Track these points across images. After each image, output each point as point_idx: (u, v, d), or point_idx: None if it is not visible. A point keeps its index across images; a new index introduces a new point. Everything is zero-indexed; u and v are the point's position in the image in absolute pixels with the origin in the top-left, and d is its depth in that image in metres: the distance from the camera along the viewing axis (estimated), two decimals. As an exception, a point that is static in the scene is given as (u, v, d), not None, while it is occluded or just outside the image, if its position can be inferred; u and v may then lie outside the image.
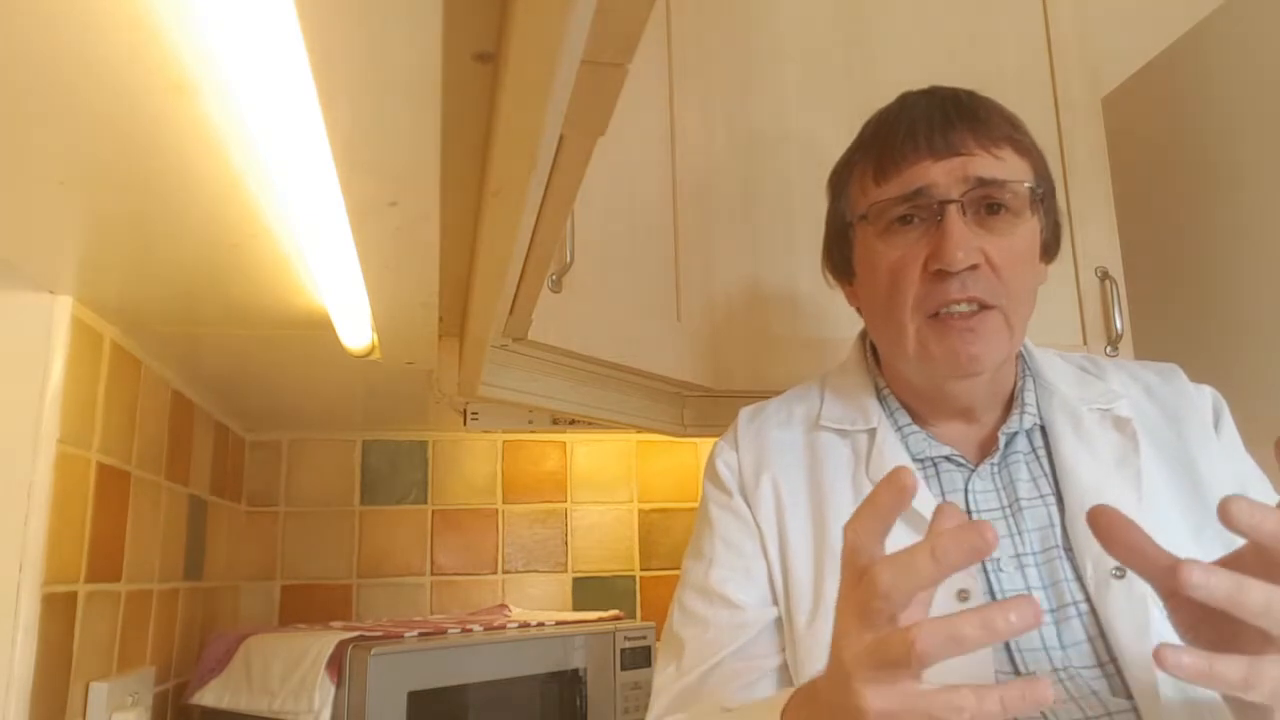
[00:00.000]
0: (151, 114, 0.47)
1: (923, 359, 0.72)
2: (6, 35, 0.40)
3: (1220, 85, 1.20)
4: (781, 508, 0.77)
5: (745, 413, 0.85)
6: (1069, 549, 0.71)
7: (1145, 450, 0.73)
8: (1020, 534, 0.72)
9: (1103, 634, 0.67)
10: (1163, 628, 0.66)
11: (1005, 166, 0.72)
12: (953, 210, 0.70)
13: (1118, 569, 0.67)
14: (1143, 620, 0.66)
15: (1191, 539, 0.71)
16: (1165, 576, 0.50)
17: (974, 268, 0.69)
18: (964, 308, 0.70)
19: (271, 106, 0.42)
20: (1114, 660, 0.66)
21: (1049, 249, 0.78)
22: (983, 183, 0.71)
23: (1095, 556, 0.69)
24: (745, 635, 0.74)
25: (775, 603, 0.76)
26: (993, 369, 0.73)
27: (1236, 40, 1.17)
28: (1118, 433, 0.74)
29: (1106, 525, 0.53)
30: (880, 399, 0.80)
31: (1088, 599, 0.69)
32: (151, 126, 0.48)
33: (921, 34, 1.26)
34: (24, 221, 0.61)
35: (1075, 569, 0.70)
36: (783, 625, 0.75)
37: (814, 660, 0.71)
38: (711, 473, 0.83)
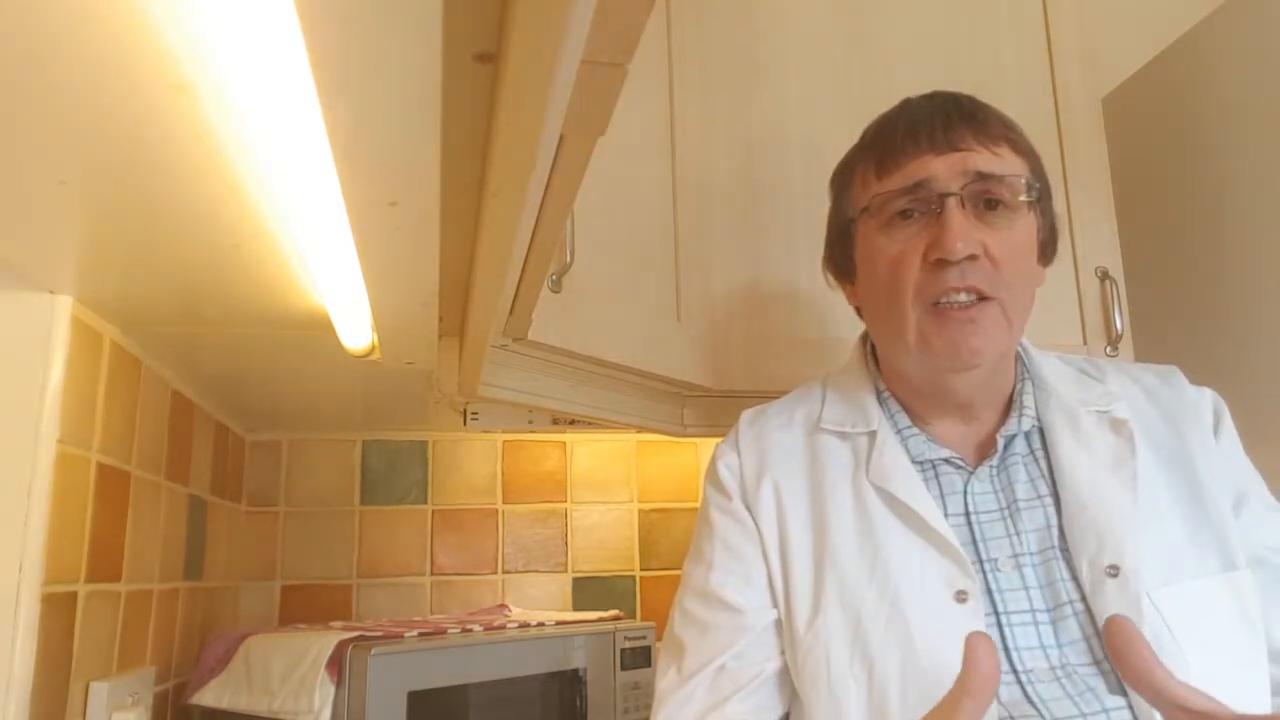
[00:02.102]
0: (152, 114, 0.47)
1: (923, 351, 0.72)
2: (6, 35, 0.40)
3: (1220, 85, 1.20)
4: (783, 510, 0.77)
5: (747, 415, 0.85)
6: (1065, 549, 0.71)
7: (1143, 452, 0.74)
8: (1018, 535, 0.72)
9: (1098, 632, 0.68)
10: (1156, 625, 0.66)
11: (1004, 163, 0.73)
12: (952, 202, 0.71)
13: (1112, 568, 0.68)
14: (1135, 619, 0.66)
15: (1188, 541, 0.71)
16: (1171, 709, 0.49)
17: (973, 258, 0.70)
18: (963, 298, 0.71)
19: (271, 106, 0.42)
20: (1108, 659, 0.67)
21: (1046, 251, 0.78)
22: (982, 176, 0.72)
23: (1091, 556, 0.69)
24: (745, 638, 0.74)
25: (775, 605, 0.76)
26: (992, 362, 0.73)
27: (1236, 40, 1.17)
28: (1115, 435, 0.74)
29: (1122, 643, 0.52)
30: (880, 401, 0.80)
31: (1083, 598, 0.69)
32: (152, 126, 0.48)
33: (921, 34, 1.26)
34: (24, 221, 0.61)
35: (1071, 568, 0.70)
36: (782, 627, 0.75)
37: (813, 661, 0.71)
38: (713, 475, 0.83)
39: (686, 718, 0.73)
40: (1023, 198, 0.73)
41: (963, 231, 0.70)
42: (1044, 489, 0.74)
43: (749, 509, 0.79)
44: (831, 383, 0.85)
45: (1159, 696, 0.50)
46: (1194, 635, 0.67)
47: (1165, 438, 0.76)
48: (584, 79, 0.40)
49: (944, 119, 0.74)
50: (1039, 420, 0.77)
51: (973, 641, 0.49)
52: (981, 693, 0.48)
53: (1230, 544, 0.71)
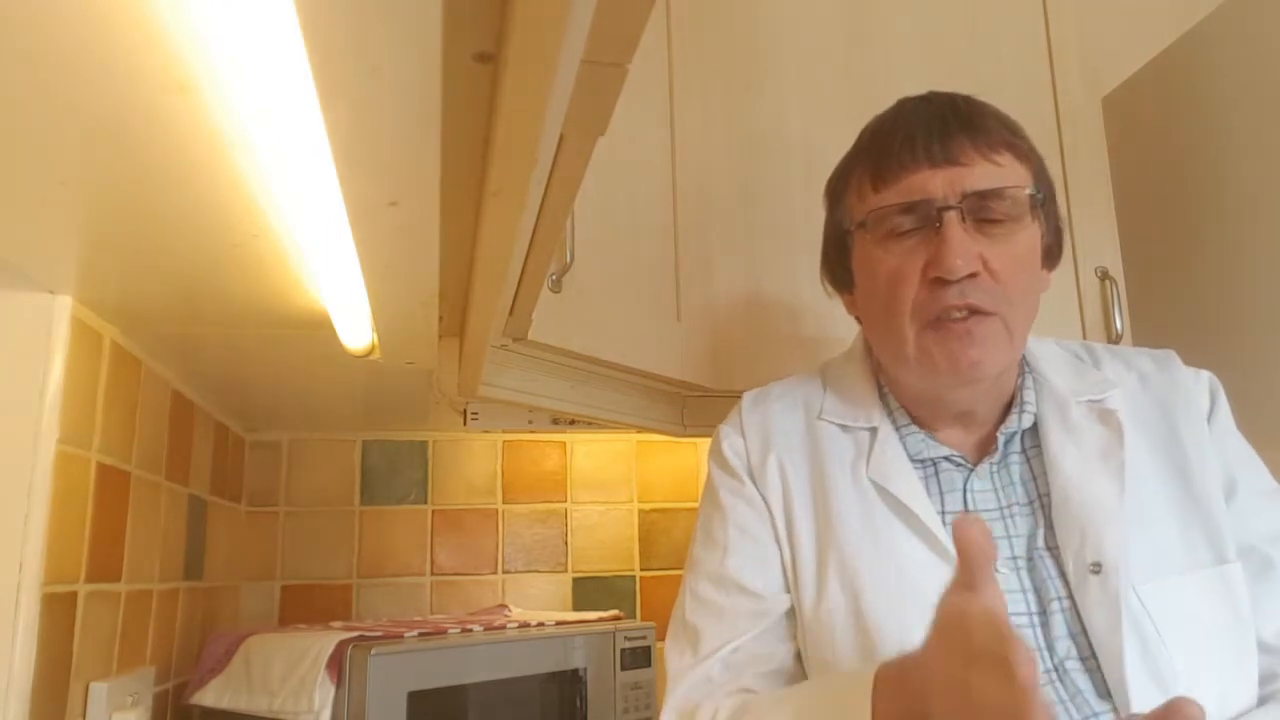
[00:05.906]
0: (153, 114, 0.47)
1: (924, 365, 0.72)
2: (8, 35, 0.40)
3: (1220, 85, 1.20)
4: (788, 491, 0.78)
5: (748, 398, 0.85)
6: (1053, 546, 0.71)
7: (1133, 443, 0.73)
8: (1018, 536, 0.72)
9: (1084, 630, 0.68)
10: (1141, 621, 0.66)
11: (1004, 173, 0.71)
12: (951, 217, 0.69)
13: (1095, 565, 0.68)
14: (1115, 617, 0.66)
15: (1178, 534, 0.71)
16: None
17: (973, 275, 0.69)
18: (963, 314, 0.70)
19: (272, 107, 0.42)
20: (1094, 655, 0.67)
21: (1051, 255, 0.77)
22: (981, 195, 0.70)
23: (1075, 551, 0.69)
24: (764, 622, 0.75)
25: (788, 589, 0.76)
26: (994, 375, 0.72)
27: (1236, 40, 1.17)
28: (1103, 425, 0.74)
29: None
30: (881, 396, 0.80)
31: (1069, 594, 0.69)
32: (153, 126, 0.48)
33: (921, 34, 1.26)
34: (24, 221, 0.61)
35: (1058, 565, 0.70)
36: (795, 611, 0.75)
37: (820, 647, 0.72)
38: (719, 458, 0.83)
39: (704, 695, 0.73)
40: (1025, 202, 0.71)
41: (962, 249, 0.68)
42: (1034, 492, 0.74)
43: (759, 491, 0.79)
44: (831, 375, 0.84)
45: None
46: (1181, 632, 0.67)
47: (1158, 427, 0.75)
48: (584, 79, 0.41)
49: (941, 127, 0.71)
50: (1036, 415, 0.76)
51: (958, 531, 0.52)
52: (980, 566, 0.51)
53: (1222, 536, 0.71)
